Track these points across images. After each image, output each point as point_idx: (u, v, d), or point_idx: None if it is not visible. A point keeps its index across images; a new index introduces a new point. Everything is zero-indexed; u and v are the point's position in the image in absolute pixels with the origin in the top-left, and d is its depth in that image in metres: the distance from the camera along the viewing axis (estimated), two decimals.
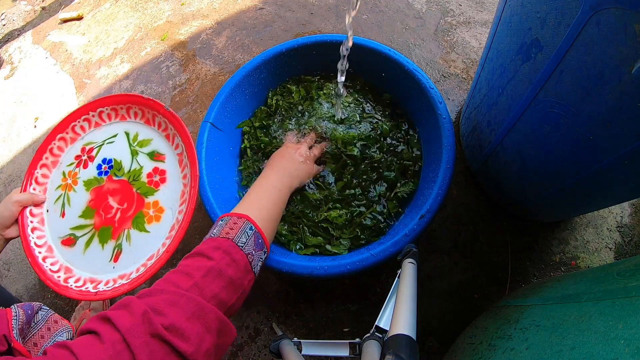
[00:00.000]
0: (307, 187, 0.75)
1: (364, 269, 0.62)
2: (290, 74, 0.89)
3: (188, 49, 1.29)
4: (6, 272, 1.06)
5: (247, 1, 1.35)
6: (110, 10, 1.51)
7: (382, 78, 0.84)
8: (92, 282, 0.66)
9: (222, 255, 0.43)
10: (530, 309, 0.54)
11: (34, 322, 0.44)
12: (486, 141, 0.76)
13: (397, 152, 0.78)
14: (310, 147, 0.76)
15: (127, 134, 0.75)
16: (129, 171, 0.72)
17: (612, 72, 0.40)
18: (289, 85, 0.88)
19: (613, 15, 0.36)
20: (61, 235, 0.71)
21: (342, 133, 0.78)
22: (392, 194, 0.74)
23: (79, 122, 0.76)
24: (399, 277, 0.50)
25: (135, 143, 0.73)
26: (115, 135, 0.75)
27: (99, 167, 0.74)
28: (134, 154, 0.73)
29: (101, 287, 0.64)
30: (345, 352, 0.55)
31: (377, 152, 0.77)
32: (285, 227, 0.73)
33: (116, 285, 0.63)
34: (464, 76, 1.07)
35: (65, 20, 1.53)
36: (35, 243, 0.69)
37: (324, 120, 0.80)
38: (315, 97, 0.85)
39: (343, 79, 0.75)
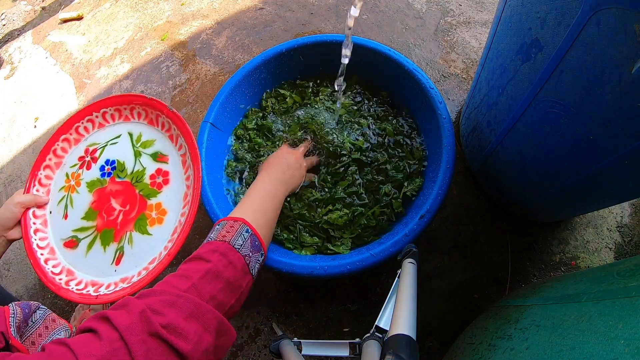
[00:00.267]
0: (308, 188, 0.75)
1: (364, 269, 0.62)
2: (291, 74, 0.89)
3: (188, 49, 1.29)
4: (6, 272, 1.06)
5: (247, 1, 1.35)
6: (110, 10, 1.51)
7: (382, 78, 0.84)
8: (93, 285, 0.65)
9: (219, 258, 0.44)
10: (530, 309, 0.54)
11: (31, 320, 0.44)
12: (486, 141, 0.76)
13: (402, 154, 0.78)
14: (305, 155, 0.77)
15: (131, 135, 0.74)
16: (132, 172, 0.71)
17: (612, 72, 0.40)
18: (282, 91, 0.88)
19: (613, 15, 0.36)
20: (64, 237, 0.70)
21: (343, 139, 0.78)
22: (401, 194, 0.73)
23: (82, 123, 0.76)
24: (399, 277, 0.50)
25: (139, 144, 0.73)
26: (118, 136, 0.75)
27: (102, 168, 0.73)
28: (137, 155, 0.72)
29: (102, 290, 0.64)
30: (345, 352, 0.55)
31: (383, 154, 0.77)
32: (280, 227, 0.73)
33: (117, 289, 0.63)
34: (464, 76, 1.07)
35: (65, 20, 1.53)
36: (37, 245, 0.69)
37: (324, 125, 0.80)
38: (313, 104, 0.85)
39: (343, 86, 0.76)
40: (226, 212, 0.69)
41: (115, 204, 0.70)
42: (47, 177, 0.74)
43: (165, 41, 1.34)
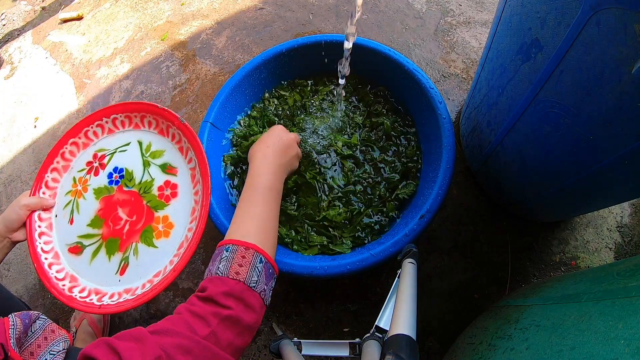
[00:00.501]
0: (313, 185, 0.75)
1: (364, 269, 0.62)
2: (291, 74, 0.89)
3: (188, 49, 1.29)
4: (6, 272, 1.06)
5: (247, 1, 1.35)
6: (110, 10, 1.51)
7: (381, 78, 0.84)
8: (97, 293, 0.65)
9: (237, 303, 0.41)
10: (530, 309, 0.54)
11: (30, 331, 0.43)
12: (486, 141, 0.76)
13: (399, 151, 0.78)
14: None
15: (140, 143, 0.73)
16: (140, 182, 0.71)
17: (612, 72, 0.40)
18: (281, 91, 0.88)
19: (613, 15, 0.36)
20: (68, 242, 0.70)
21: (343, 137, 0.78)
22: (393, 196, 0.73)
23: (92, 127, 0.75)
24: (399, 277, 0.50)
25: (148, 153, 0.72)
26: (128, 144, 0.74)
27: (109, 175, 0.73)
28: (146, 165, 0.71)
29: (106, 300, 0.63)
30: (345, 352, 0.55)
31: (379, 152, 0.77)
32: (287, 227, 0.73)
33: (121, 300, 0.62)
34: (464, 76, 1.07)
35: (65, 20, 1.53)
36: (42, 248, 0.68)
37: (323, 123, 0.80)
38: (310, 103, 0.85)
39: (343, 82, 0.75)
40: (231, 218, 0.68)
41: (122, 213, 0.69)
42: (54, 180, 0.74)
43: (165, 41, 1.34)
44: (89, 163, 0.74)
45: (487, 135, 0.75)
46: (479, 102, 0.77)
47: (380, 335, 0.47)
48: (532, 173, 0.67)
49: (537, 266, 0.84)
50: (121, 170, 0.72)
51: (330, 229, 0.72)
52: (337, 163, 0.77)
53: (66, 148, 0.74)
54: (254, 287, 0.43)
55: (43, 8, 1.67)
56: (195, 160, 0.68)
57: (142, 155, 0.72)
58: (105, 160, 0.74)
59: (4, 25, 1.67)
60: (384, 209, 0.73)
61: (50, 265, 0.68)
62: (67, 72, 1.39)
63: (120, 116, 0.74)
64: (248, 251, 0.45)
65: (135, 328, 0.36)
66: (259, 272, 0.44)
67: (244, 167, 0.80)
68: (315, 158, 0.77)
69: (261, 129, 0.82)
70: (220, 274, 0.42)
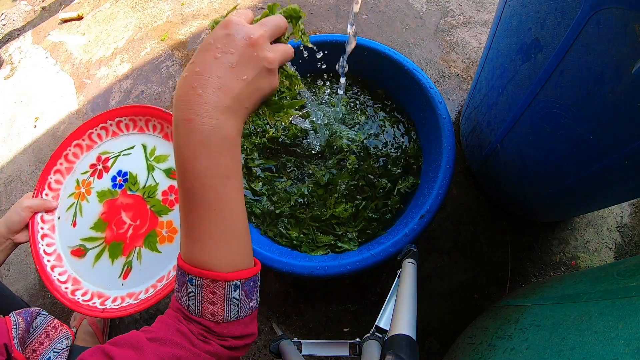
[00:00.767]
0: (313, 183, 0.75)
1: (364, 269, 0.62)
2: None
3: (188, 49, 1.29)
4: (6, 272, 1.06)
5: (247, 1, 1.35)
6: (110, 10, 1.51)
7: (381, 78, 0.84)
8: (99, 297, 0.65)
9: (224, 340, 0.36)
10: (530, 309, 0.54)
11: (32, 327, 0.43)
12: (486, 141, 0.76)
13: (400, 148, 0.78)
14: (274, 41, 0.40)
15: (145, 147, 0.73)
16: (144, 187, 0.70)
17: (612, 72, 0.40)
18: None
19: (613, 15, 0.36)
20: (71, 245, 0.70)
21: (344, 133, 0.78)
22: (395, 191, 0.74)
23: (96, 129, 0.75)
24: (399, 277, 0.50)
25: (152, 158, 0.72)
26: (132, 147, 0.74)
27: (113, 179, 0.73)
28: (150, 169, 0.71)
29: (109, 304, 0.63)
30: (345, 352, 0.55)
31: (381, 147, 0.78)
32: (297, 231, 0.73)
33: (124, 304, 0.62)
34: (464, 76, 1.07)
35: (65, 20, 1.53)
36: (44, 251, 0.68)
37: (325, 119, 0.80)
38: (313, 98, 0.85)
39: (344, 79, 0.75)
40: None
41: (125, 217, 0.69)
42: (57, 181, 0.74)
43: (165, 41, 1.34)
44: (92, 166, 0.74)
45: (487, 135, 0.75)
46: (479, 102, 0.77)
47: (380, 335, 0.47)
48: (532, 173, 0.67)
49: (537, 266, 0.84)
50: (125, 173, 0.72)
51: (336, 227, 0.72)
52: (341, 160, 0.77)
53: (70, 150, 0.74)
54: (237, 317, 0.36)
55: (43, 8, 1.67)
56: None
57: (147, 159, 0.72)
58: (109, 163, 0.74)
59: (4, 25, 1.67)
60: (389, 202, 0.73)
61: (52, 268, 0.67)
62: (67, 72, 1.39)
63: (125, 119, 0.74)
64: (217, 284, 0.34)
65: (131, 333, 0.34)
66: (237, 300, 0.36)
67: (244, 168, 0.80)
68: (320, 153, 0.78)
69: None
70: (193, 314, 0.34)
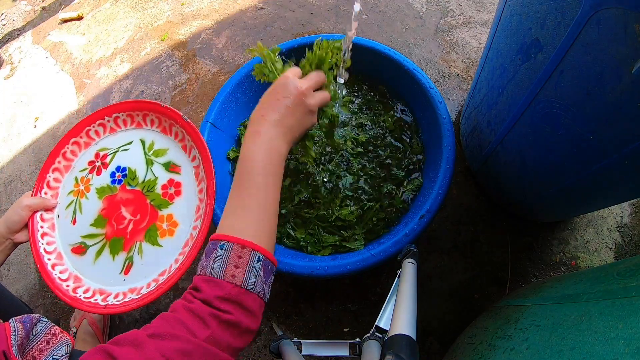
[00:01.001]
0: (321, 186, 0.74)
1: (364, 269, 0.62)
2: None
3: (188, 49, 1.29)
4: (6, 272, 1.06)
5: (247, 1, 1.35)
6: (110, 10, 1.51)
7: (382, 78, 0.84)
8: (101, 293, 0.65)
9: (234, 307, 0.39)
10: (530, 309, 0.54)
11: (32, 334, 0.43)
12: (486, 141, 0.76)
13: (404, 148, 0.78)
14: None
15: (143, 142, 0.73)
16: (144, 181, 0.70)
17: (612, 72, 0.40)
18: None
19: (613, 15, 0.36)
20: (71, 242, 0.70)
21: (345, 134, 0.78)
22: (400, 193, 0.74)
23: (93, 126, 0.74)
24: (399, 277, 0.50)
25: (151, 152, 0.72)
26: (130, 143, 0.73)
27: (112, 174, 0.72)
28: (149, 163, 0.71)
29: (111, 300, 0.63)
30: (345, 352, 0.55)
31: (384, 149, 0.78)
32: (303, 231, 0.73)
33: (126, 299, 0.62)
34: (464, 76, 1.07)
35: (65, 20, 1.53)
36: (44, 249, 0.68)
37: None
38: None
39: (342, 80, 0.75)
40: None
41: (125, 212, 0.69)
42: (56, 180, 0.73)
43: (165, 41, 1.34)
44: (90, 162, 0.74)
45: (487, 135, 0.75)
46: (479, 102, 0.77)
47: (380, 335, 0.47)
48: (532, 173, 0.67)
49: (537, 266, 0.84)
50: (124, 169, 0.72)
51: (343, 231, 0.71)
52: (345, 162, 0.77)
53: (67, 148, 0.74)
54: (252, 288, 0.40)
55: (43, 8, 1.67)
56: (199, 158, 0.68)
57: (145, 153, 0.72)
58: (107, 160, 0.73)
59: (4, 25, 1.67)
60: (393, 202, 0.73)
61: (53, 266, 0.67)
62: (67, 72, 1.39)
63: (122, 115, 0.74)
64: (244, 250, 0.41)
65: (132, 332, 0.35)
66: (257, 271, 0.41)
67: None
68: (324, 159, 0.77)
69: None
70: (215, 276, 0.39)
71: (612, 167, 0.49)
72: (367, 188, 0.74)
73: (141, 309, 0.91)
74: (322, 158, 0.78)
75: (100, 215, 0.70)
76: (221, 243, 0.41)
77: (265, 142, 0.48)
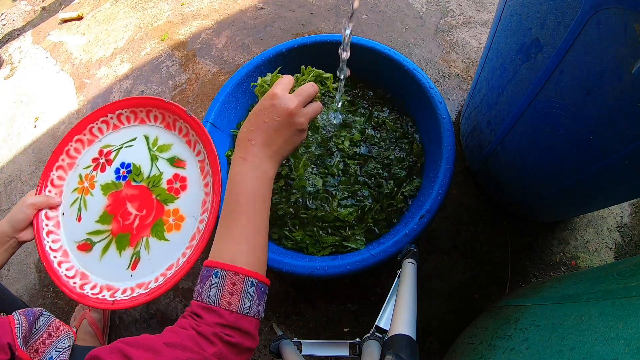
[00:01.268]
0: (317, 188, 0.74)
1: (364, 269, 0.62)
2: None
3: (188, 49, 1.29)
4: (6, 272, 1.06)
5: (247, 1, 1.35)
6: (110, 10, 1.51)
7: (381, 78, 0.84)
8: (109, 289, 0.64)
9: (234, 332, 0.41)
10: (530, 309, 0.54)
11: (35, 328, 0.43)
12: (486, 141, 0.76)
13: (402, 148, 0.78)
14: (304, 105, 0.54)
15: (147, 138, 0.73)
16: (149, 177, 0.70)
17: (612, 72, 0.40)
18: None
19: (613, 15, 0.36)
20: (77, 239, 0.69)
21: (344, 135, 0.78)
22: (400, 193, 0.73)
23: (96, 124, 0.74)
24: (399, 277, 0.50)
25: (155, 148, 0.72)
26: (134, 139, 0.73)
27: (117, 171, 0.72)
28: (154, 159, 0.71)
29: (119, 295, 0.63)
30: (345, 352, 0.55)
31: (383, 148, 0.78)
32: (302, 233, 0.73)
33: (134, 294, 0.62)
34: (464, 76, 1.07)
35: (65, 20, 1.53)
36: (50, 247, 0.68)
37: (325, 120, 0.80)
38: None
39: (342, 83, 0.75)
40: None
41: (131, 208, 0.69)
42: (60, 177, 0.73)
43: (165, 41, 1.34)
44: (94, 160, 0.74)
45: (487, 135, 0.75)
46: (479, 102, 0.77)
47: (380, 335, 0.47)
48: (532, 173, 0.67)
49: (537, 266, 0.84)
50: (128, 165, 0.72)
51: (342, 230, 0.71)
52: (342, 162, 0.77)
53: (71, 145, 0.74)
54: (247, 312, 0.42)
55: (43, 8, 1.67)
56: (203, 152, 0.68)
57: (149, 149, 0.72)
58: (111, 156, 0.74)
59: (4, 25, 1.67)
60: (393, 202, 0.73)
61: (59, 264, 0.67)
62: (67, 72, 1.39)
63: (126, 112, 0.74)
64: (238, 277, 0.42)
65: (145, 337, 0.36)
66: (251, 296, 0.43)
67: None
68: (321, 157, 0.77)
69: None
70: (212, 303, 0.41)
71: (612, 167, 0.49)
72: (366, 188, 0.74)
73: (140, 309, 0.91)
74: (317, 160, 0.78)
75: (105, 212, 0.70)
76: (215, 270, 0.43)
77: (253, 168, 0.48)
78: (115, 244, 0.68)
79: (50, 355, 0.43)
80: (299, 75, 0.61)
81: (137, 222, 0.68)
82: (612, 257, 0.83)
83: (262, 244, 0.47)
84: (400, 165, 0.76)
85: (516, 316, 0.55)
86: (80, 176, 0.74)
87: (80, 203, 0.72)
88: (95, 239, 0.69)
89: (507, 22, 0.58)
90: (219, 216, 0.57)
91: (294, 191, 0.75)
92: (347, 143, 0.77)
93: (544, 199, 0.71)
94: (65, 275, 0.66)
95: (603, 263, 0.83)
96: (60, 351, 0.42)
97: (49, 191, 0.72)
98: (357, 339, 0.53)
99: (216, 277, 0.42)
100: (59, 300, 0.98)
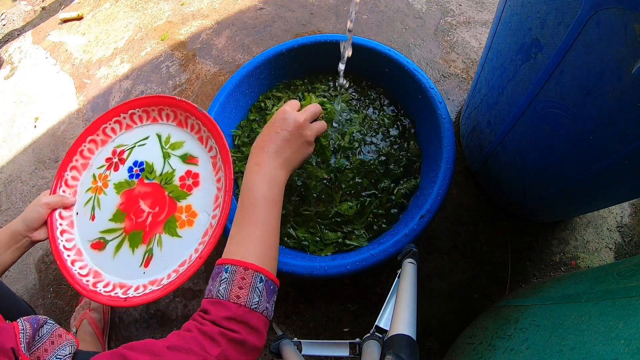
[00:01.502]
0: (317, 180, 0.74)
1: (364, 269, 0.62)
2: (291, 74, 0.89)
3: (188, 49, 1.29)
4: (6, 272, 1.06)
5: (247, 1, 1.35)
6: (110, 10, 1.51)
7: (381, 78, 0.84)
8: (121, 287, 0.65)
9: (240, 326, 0.41)
10: (530, 309, 0.54)
11: (38, 335, 0.44)
12: (486, 141, 0.76)
13: (401, 147, 0.78)
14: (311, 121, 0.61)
15: (159, 136, 0.74)
16: (161, 174, 0.71)
17: (612, 72, 0.40)
18: (277, 94, 0.88)
19: (613, 15, 0.36)
20: (91, 238, 0.70)
21: (343, 133, 0.78)
22: (396, 190, 0.74)
23: (109, 124, 0.75)
24: (399, 277, 0.50)
25: (167, 145, 0.73)
26: (146, 138, 0.74)
27: (130, 169, 0.73)
28: (166, 156, 0.72)
29: (131, 292, 0.63)
30: (345, 352, 0.55)
31: (382, 147, 0.78)
32: (304, 230, 0.73)
33: (146, 291, 0.62)
34: (464, 76, 1.07)
35: (65, 20, 1.53)
36: (64, 246, 0.68)
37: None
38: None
39: (343, 81, 0.75)
40: None
41: (144, 205, 0.69)
42: (74, 178, 0.74)
43: (165, 41, 1.34)
44: (108, 159, 0.75)
45: (487, 135, 0.75)
46: (479, 102, 0.77)
47: (380, 335, 0.47)
48: (532, 173, 0.67)
49: (537, 266, 0.84)
50: (141, 163, 0.73)
51: (343, 225, 0.71)
52: (342, 159, 0.77)
53: (84, 146, 0.75)
54: (256, 308, 0.42)
55: (43, 8, 1.67)
56: (216, 148, 0.69)
57: (162, 147, 0.73)
58: (124, 155, 0.74)
59: (4, 25, 1.67)
60: (392, 197, 0.73)
61: (73, 262, 0.68)
62: (67, 72, 1.39)
63: (138, 111, 0.75)
64: (247, 272, 0.44)
65: (147, 341, 0.36)
66: (260, 292, 0.44)
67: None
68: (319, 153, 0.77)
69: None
70: (221, 297, 0.42)
71: (612, 167, 0.49)
72: (366, 182, 0.74)
73: (141, 309, 0.91)
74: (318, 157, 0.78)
75: (118, 210, 0.70)
76: (225, 267, 0.45)
77: (267, 173, 0.52)
78: (128, 242, 0.68)
79: None
80: (303, 102, 0.67)
81: (149, 219, 0.68)
82: (612, 257, 0.83)
83: (273, 244, 0.50)
84: (398, 163, 0.76)
85: (516, 316, 0.55)
86: (94, 176, 0.74)
87: (94, 202, 0.72)
88: (108, 237, 0.69)
89: (507, 22, 0.58)
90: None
91: (298, 182, 0.74)
92: (347, 139, 0.78)
93: (544, 199, 0.71)
94: (79, 273, 0.66)
95: (603, 263, 0.83)
96: (60, 358, 0.43)
97: (63, 191, 0.72)
98: (357, 339, 0.53)
99: (226, 272, 0.44)
100: (59, 300, 0.98)
